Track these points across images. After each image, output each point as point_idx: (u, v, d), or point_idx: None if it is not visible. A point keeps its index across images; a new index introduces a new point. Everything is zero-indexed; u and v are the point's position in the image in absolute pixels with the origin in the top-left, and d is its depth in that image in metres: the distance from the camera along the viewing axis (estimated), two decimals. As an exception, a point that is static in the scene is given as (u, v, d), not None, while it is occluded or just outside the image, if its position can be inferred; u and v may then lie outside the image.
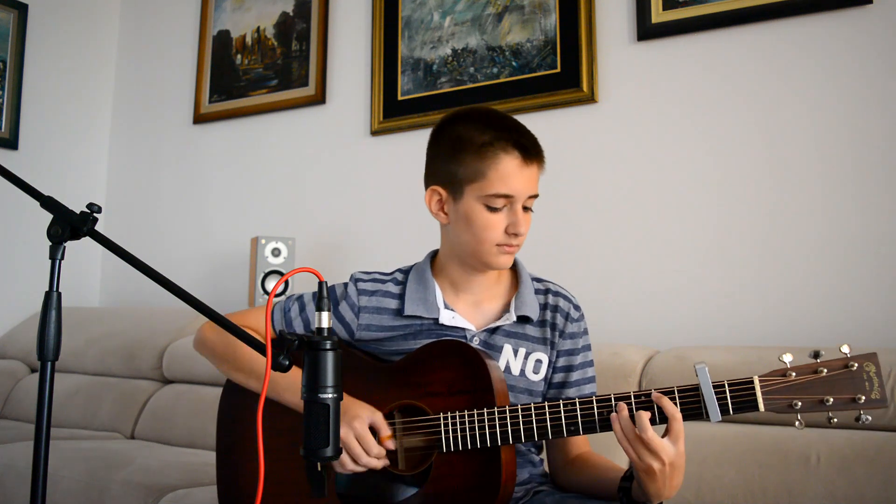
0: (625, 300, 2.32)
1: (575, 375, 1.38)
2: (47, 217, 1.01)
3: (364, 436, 1.20)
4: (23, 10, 3.40)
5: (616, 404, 1.14)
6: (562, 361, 1.38)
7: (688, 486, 1.74)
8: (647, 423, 1.10)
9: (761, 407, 1.10)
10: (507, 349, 1.34)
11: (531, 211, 1.32)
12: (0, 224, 3.29)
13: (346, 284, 1.41)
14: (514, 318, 1.35)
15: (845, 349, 1.10)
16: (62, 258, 1.01)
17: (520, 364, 1.35)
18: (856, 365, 1.10)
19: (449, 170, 1.32)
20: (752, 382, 1.11)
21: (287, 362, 0.94)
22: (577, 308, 1.41)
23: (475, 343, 1.34)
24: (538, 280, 1.43)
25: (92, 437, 2.58)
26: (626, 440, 1.12)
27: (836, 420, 1.10)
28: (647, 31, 2.37)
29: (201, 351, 1.46)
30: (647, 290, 2.30)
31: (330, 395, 0.93)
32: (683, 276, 2.25)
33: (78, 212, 1.01)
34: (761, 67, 2.20)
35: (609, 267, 2.36)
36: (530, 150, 1.28)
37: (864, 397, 1.08)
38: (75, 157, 3.59)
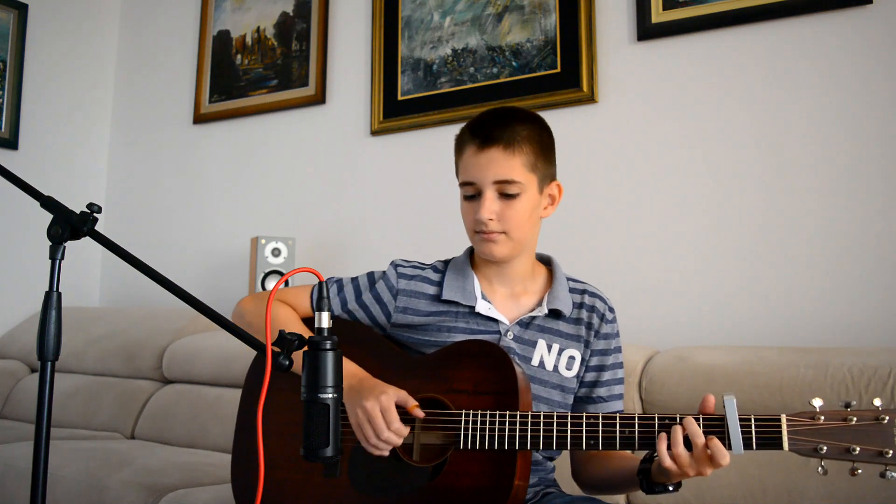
0: (625, 300, 2.31)
1: (606, 375, 1.41)
2: (47, 217, 1.01)
3: (389, 409, 1.21)
4: (23, 10, 3.40)
5: (659, 430, 1.13)
6: (595, 361, 1.41)
7: (688, 486, 1.74)
8: (718, 444, 1.09)
9: (786, 446, 1.09)
10: (542, 344, 1.37)
11: (514, 198, 1.31)
12: (0, 224, 3.29)
13: (385, 270, 1.46)
14: (546, 312, 1.37)
15: (877, 402, 1.09)
16: (62, 258, 1.01)
17: (553, 360, 1.37)
18: (887, 418, 1.08)
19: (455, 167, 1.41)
20: (778, 420, 1.10)
21: (287, 362, 0.94)
22: (611, 310, 1.44)
23: (509, 337, 1.36)
24: (575, 280, 1.46)
25: (92, 437, 2.58)
26: (693, 460, 1.10)
27: (860, 472, 1.08)
28: (647, 31, 2.37)
29: (239, 322, 1.49)
30: (646, 290, 2.30)
31: (330, 395, 0.93)
32: (683, 276, 2.25)
33: (78, 212, 1.01)
34: (761, 67, 2.20)
35: (609, 267, 2.36)
36: (488, 136, 1.30)
37: (892, 452, 1.06)
38: (75, 157, 3.59)
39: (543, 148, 1.36)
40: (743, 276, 2.17)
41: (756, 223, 2.17)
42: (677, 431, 1.11)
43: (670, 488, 1.17)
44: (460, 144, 1.36)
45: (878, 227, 2.01)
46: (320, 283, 0.98)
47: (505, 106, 1.41)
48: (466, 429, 1.21)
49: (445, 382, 1.27)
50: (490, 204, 1.30)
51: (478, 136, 1.31)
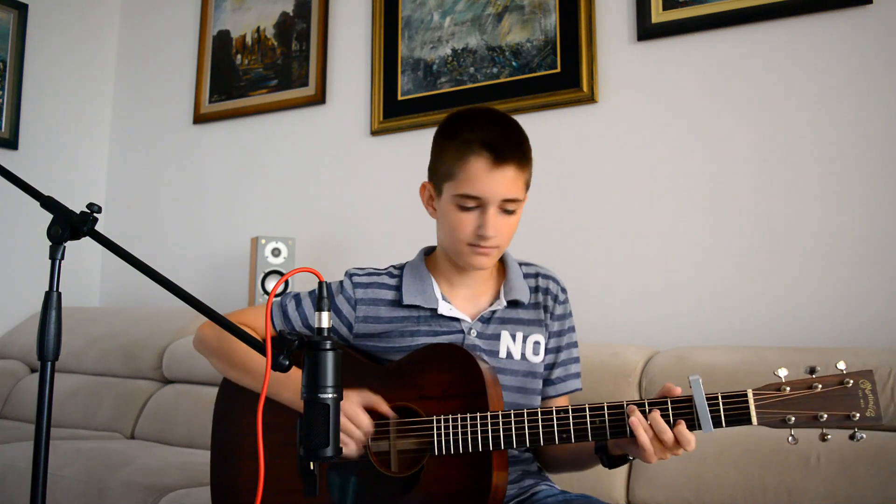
0: (625, 300, 2.32)
1: (562, 356, 1.43)
2: (47, 217, 1.01)
3: (355, 414, 1.21)
4: (23, 10, 3.40)
5: (631, 410, 1.14)
6: (552, 343, 1.42)
7: (688, 486, 1.74)
8: (685, 428, 1.11)
9: (754, 421, 1.10)
10: (505, 335, 1.37)
11: (512, 213, 1.30)
12: (0, 224, 3.29)
13: (341, 281, 1.43)
14: (505, 304, 1.38)
15: (841, 365, 1.10)
16: (62, 258, 1.01)
17: (520, 348, 1.37)
18: (851, 381, 1.09)
19: (435, 166, 1.35)
20: (745, 396, 1.11)
21: (287, 362, 0.94)
22: (564, 290, 1.45)
23: (472, 335, 1.36)
24: (526, 264, 1.45)
25: (92, 437, 2.58)
26: (660, 443, 1.12)
27: (829, 437, 1.09)
28: (647, 31, 2.37)
29: (199, 349, 1.48)
30: (646, 290, 2.30)
31: (330, 395, 0.93)
32: (683, 276, 2.25)
33: (78, 212, 1.01)
34: (761, 67, 2.20)
35: (609, 267, 2.36)
36: (503, 154, 1.25)
37: (858, 414, 1.07)
38: (75, 157, 3.59)
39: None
40: (743, 276, 2.17)
41: (756, 223, 2.17)
42: (634, 411, 1.13)
43: (630, 458, 1.19)
44: (461, 152, 1.27)
45: (878, 228, 2.01)
46: (320, 283, 0.98)
47: (497, 111, 1.36)
48: (439, 434, 1.21)
49: (414, 389, 1.26)
50: (495, 221, 1.28)
51: (491, 150, 1.25)
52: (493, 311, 1.38)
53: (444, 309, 1.36)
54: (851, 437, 1.09)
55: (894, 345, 1.90)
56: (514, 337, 1.37)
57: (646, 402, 1.14)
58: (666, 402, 1.13)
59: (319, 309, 0.96)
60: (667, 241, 2.29)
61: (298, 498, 1.26)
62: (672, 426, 1.11)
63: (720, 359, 1.83)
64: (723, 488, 1.71)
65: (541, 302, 1.41)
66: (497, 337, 1.37)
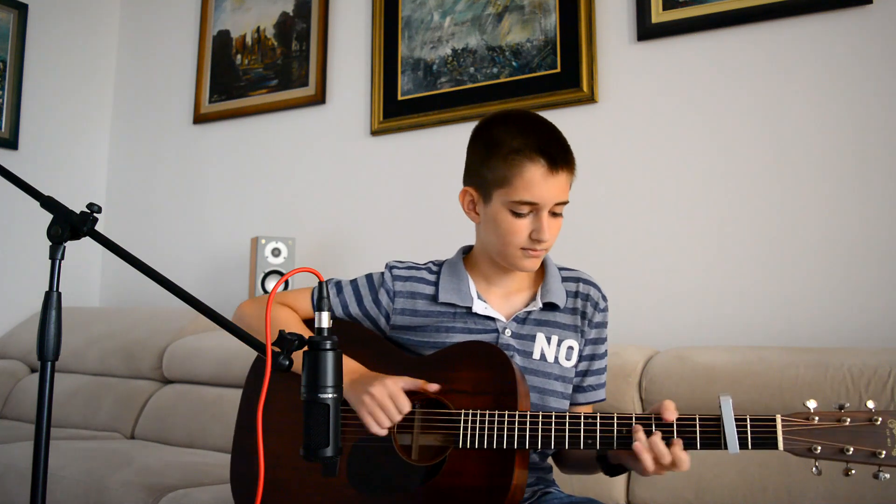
0: (625, 300, 2.32)
1: (596, 365, 1.43)
2: (47, 217, 1.01)
3: (397, 394, 1.24)
4: (23, 10, 3.40)
5: (636, 430, 1.15)
6: (587, 350, 1.43)
7: (688, 486, 1.74)
8: (680, 450, 1.13)
9: (780, 446, 1.10)
10: (541, 337, 1.38)
11: (560, 216, 1.33)
12: (0, 224, 3.29)
13: (382, 273, 1.45)
14: (541, 306, 1.38)
15: (870, 404, 1.11)
16: (62, 258, 1.01)
17: (553, 351, 1.38)
18: (880, 419, 1.09)
19: (480, 172, 1.33)
20: (773, 421, 1.11)
21: (287, 362, 0.94)
22: (604, 299, 1.45)
23: (507, 334, 1.37)
24: (567, 269, 1.46)
25: (92, 437, 2.58)
26: (658, 465, 1.14)
27: (853, 472, 1.09)
28: (647, 31, 2.37)
29: (240, 325, 1.48)
30: (647, 290, 2.30)
31: (330, 395, 0.93)
32: (683, 276, 2.25)
33: (78, 212, 1.01)
34: (761, 67, 2.20)
35: (609, 267, 2.36)
36: (557, 159, 1.28)
37: (884, 452, 1.07)
38: (75, 157, 3.59)
39: None
40: (743, 276, 2.17)
41: (756, 223, 2.17)
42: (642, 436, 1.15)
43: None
44: (516, 159, 1.27)
45: (878, 228, 2.01)
46: (320, 283, 0.98)
47: (538, 116, 1.37)
48: (465, 428, 1.22)
49: (445, 383, 1.28)
50: (549, 225, 1.30)
51: (546, 157, 1.27)
52: (529, 312, 1.39)
53: (478, 307, 1.37)
54: (875, 476, 1.08)
55: (894, 345, 1.90)
56: (549, 339, 1.38)
57: (674, 422, 1.15)
58: (694, 419, 1.14)
59: (319, 309, 0.96)
60: (667, 241, 2.29)
61: (317, 477, 1.28)
62: (669, 446, 1.13)
63: (720, 359, 1.83)
64: (723, 488, 1.71)
65: (579, 308, 1.41)
66: (532, 338, 1.37)
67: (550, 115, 2.61)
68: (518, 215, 1.29)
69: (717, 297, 2.19)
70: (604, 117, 2.43)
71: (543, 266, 1.44)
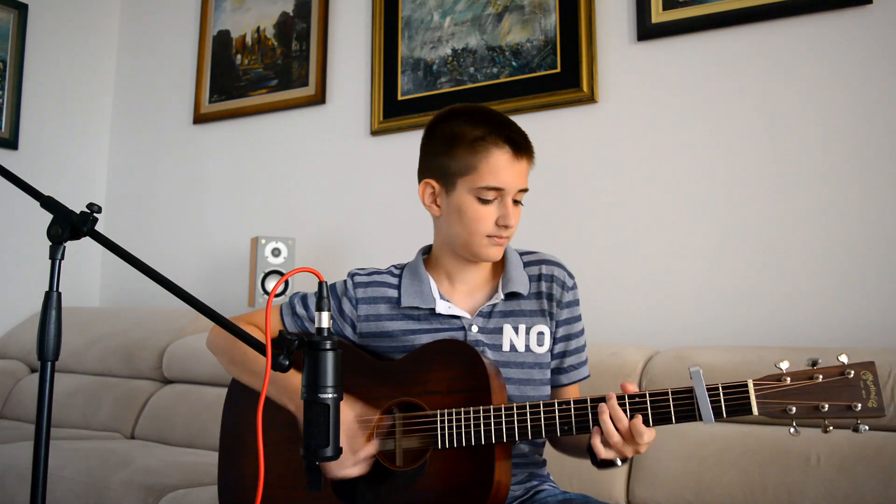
0: (625, 300, 2.32)
1: (573, 344, 1.43)
2: (47, 217, 1.01)
3: (358, 446, 1.24)
4: (23, 10, 3.40)
5: (599, 405, 1.17)
6: (561, 331, 1.42)
7: (688, 486, 1.74)
8: (640, 423, 1.13)
9: (755, 410, 1.10)
10: (508, 329, 1.38)
11: (521, 205, 1.35)
12: (0, 224, 3.29)
13: (344, 281, 1.45)
14: (503, 297, 1.38)
15: (843, 358, 1.10)
16: (62, 258, 1.01)
17: (523, 340, 1.38)
18: (852, 372, 1.09)
19: (442, 163, 1.35)
20: (745, 386, 1.11)
21: (287, 362, 0.94)
22: (571, 276, 1.44)
23: (474, 330, 1.36)
24: (528, 253, 1.46)
25: (92, 437, 2.58)
26: (619, 434, 1.14)
27: (832, 428, 1.09)
28: (647, 31, 2.37)
29: (211, 350, 1.50)
30: (647, 291, 2.30)
31: (330, 395, 0.93)
32: (683, 276, 2.25)
33: (78, 212, 1.01)
34: (761, 67, 2.20)
35: (609, 267, 2.36)
36: (521, 145, 1.32)
37: (860, 405, 1.07)
38: (75, 157, 3.59)
39: None
40: (743, 276, 2.17)
41: (756, 223, 2.17)
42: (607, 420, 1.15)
43: (618, 463, 1.19)
44: (481, 146, 1.30)
45: (878, 228, 2.01)
46: (320, 284, 0.98)
47: (493, 108, 1.40)
48: (443, 428, 1.22)
49: (419, 385, 1.28)
50: (514, 211, 1.32)
51: (511, 143, 1.30)
52: (493, 306, 1.38)
53: (442, 308, 1.37)
54: (854, 430, 1.08)
55: (894, 345, 1.90)
56: (516, 330, 1.38)
57: (647, 393, 1.15)
58: (667, 392, 1.14)
59: (319, 309, 0.97)
60: (667, 241, 2.29)
61: (303, 492, 1.28)
62: (630, 419, 1.13)
63: (720, 359, 1.83)
64: (723, 488, 1.71)
65: (544, 291, 1.40)
66: (499, 331, 1.37)
67: (550, 115, 2.62)
68: (484, 202, 1.31)
69: (717, 297, 2.19)
70: (604, 117, 2.43)
71: (504, 256, 1.43)
